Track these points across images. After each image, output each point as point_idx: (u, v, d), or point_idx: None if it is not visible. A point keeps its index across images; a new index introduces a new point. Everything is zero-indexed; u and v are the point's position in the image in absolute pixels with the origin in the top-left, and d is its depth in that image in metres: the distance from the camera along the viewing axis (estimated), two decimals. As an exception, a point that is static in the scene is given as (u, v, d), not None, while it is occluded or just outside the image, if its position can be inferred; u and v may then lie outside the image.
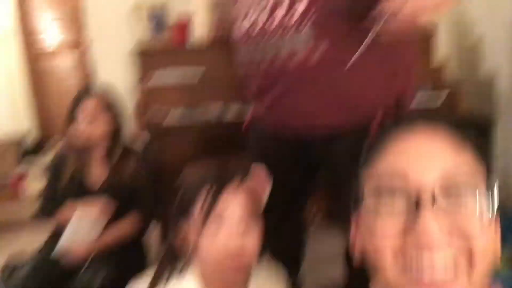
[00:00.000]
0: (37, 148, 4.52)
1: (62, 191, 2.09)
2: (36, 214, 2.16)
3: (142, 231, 2.18)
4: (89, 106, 2.03)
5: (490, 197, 0.52)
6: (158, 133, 2.38)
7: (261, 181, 0.96)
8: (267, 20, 1.10)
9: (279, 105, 1.20)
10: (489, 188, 0.53)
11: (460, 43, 2.89)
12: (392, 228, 0.51)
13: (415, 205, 0.50)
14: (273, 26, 1.10)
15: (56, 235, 2.05)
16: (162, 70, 2.51)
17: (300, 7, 1.04)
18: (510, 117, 2.42)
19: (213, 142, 2.48)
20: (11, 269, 2.00)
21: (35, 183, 3.27)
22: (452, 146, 0.53)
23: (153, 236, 2.36)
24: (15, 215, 3.02)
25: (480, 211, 0.51)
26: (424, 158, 0.52)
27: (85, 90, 2.11)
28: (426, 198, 0.49)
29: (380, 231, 0.52)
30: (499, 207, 0.52)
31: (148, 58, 2.57)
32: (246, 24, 1.18)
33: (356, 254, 0.59)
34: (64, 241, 2.00)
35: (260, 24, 1.12)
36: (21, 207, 3.08)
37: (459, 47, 2.89)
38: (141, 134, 2.29)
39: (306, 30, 1.04)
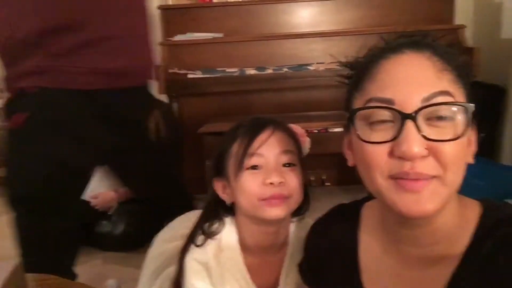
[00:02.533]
0: None
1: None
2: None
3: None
4: None
5: (468, 110, 0.57)
6: (179, 91, 2.48)
7: (298, 131, 0.95)
8: None
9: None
10: (468, 102, 0.59)
11: (480, 4, 2.86)
12: (380, 147, 0.58)
13: (400, 122, 0.56)
14: None
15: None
16: (183, 34, 2.61)
17: None
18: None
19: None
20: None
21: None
22: (435, 70, 0.58)
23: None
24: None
25: (456, 126, 0.56)
26: (408, 85, 0.57)
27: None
28: (409, 116, 0.55)
29: (370, 151, 0.59)
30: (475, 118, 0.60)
31: (173, 15, 2.68)
32: None
33: (350, 165, 0.68)
34: (91, 188, 2.15)
35: None
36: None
37: (480, 8, 2.86)
38: (164, 91, 2.39)
39: None
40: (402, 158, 0.56)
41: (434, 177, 0.56)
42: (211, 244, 0.90)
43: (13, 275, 0.87)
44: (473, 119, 0.59)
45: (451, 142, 0.56)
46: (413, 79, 0.58)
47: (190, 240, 0.92)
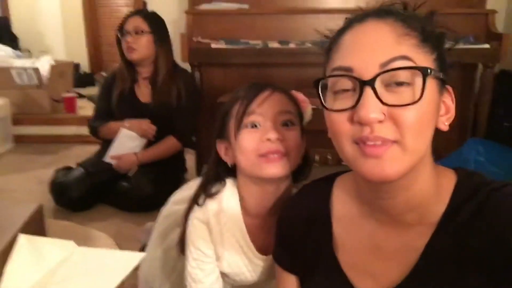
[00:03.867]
0: (87, 79, 4.78)
1: (113, 105, 2.29)
2: (89, 127, 2.37)
3: (180, 152, 2.38)
4: (134, 21, 2.17)
5: (428, 74, 0.56)
6: (202, 60, 2.50)
7: (299, 97, 0.97)
8: None
9: None
10: (438, 67, 0.60)
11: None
12: (342, 115, 0.59)
13: (359, 89, 0.57)
14: None
15: (106, 146, 2.28)
16: (209, 3, 2.61)
17: None
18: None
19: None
20: (64, 170, 2.26)
21: (85, 108, 3.53)
22: (395, 35, 0.58)
23: (190, 160, 2.55)
24: (69, 131, 3.31)
25: (414, 91, 0.56)
26: (366, 52, 0.58)
27: (134, 11, 2.24)
28: (367, 82, 0.56)
29: (335, 119, 0.61)
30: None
31: None
32: None
33: (329, 136, 0.68)
34: (113, 150, 2.23)
35: None
36: (74, 123, 3.34)
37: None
38: (187, 59, 2.41)
39: None
40: (361, 123, 0.57)
41: (394, 142, 0.57)
42: (211, 204, 0.94)
43: (32, 218, 0.93)
44: (444, 84, 0.60)
45: (409, 106, 0.56)
46: (371, 45, 0.59)
47: (194, 201, 0.96)
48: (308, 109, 0.97)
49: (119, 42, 2.23)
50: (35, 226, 0.97)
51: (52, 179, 2.20)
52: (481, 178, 0.64)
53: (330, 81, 0.62)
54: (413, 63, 0.57)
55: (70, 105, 3.47)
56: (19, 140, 3.26)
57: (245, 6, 2.61)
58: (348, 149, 0.60)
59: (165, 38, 2.25)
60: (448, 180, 0.65)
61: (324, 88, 0.64)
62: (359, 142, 0.58)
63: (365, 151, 0.58)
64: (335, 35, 0.65)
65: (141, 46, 2.17)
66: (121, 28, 2.20)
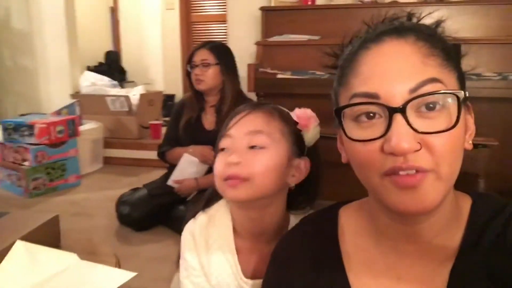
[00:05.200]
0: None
1: (180, 132, 2.39)
2: (158, 151, 2.50)
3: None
4: (201, 54, 2.27)
5: (461, 93, 0.53)
6: (267, 90, 2.52)
7: (301, 115, 0.91)
8: None
9: None
10: (460, 84, 0.55)
11: None
12: (370, 145, 0.54)
13: (388, 117, 0.52)
14: None
15: (171, 170, 2.38)
16: (281, 35, 2.66)
17: None
18: None
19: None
20: (133, 190, 2.40)
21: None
22: (421, 56, 0.53)
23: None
24: (152, 155, 3.52)
25: (449, 116, 0.52)
26: (393, 77, 0.53)
27: (201, 44, 2.34)
28: (397, 109, 0.51)
29: (361, 150, 0.55)
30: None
31: (274, 17, 2.75)
32: None
33: (343, 161, 0.63)
34: (175, 175, 2.32)
35: None
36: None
37: None
38: (253, 89, 2.45)
39: None
40: (394, 154, 0.51)
41: (428, 171, 0.52)
42: (202, 217, 0.94)
43: (47, 225, 1.00)
44: (466, 102, 0.55)
45: (445, 133, 0.51)
46: (398, 69, 0.53)
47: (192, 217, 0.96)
48: (311, 129, 0.91)
49: (188, 74, 2.34)
50: (47, 235, 1.03)
51: (119, 198, 2.35)
52: (497, 198, 0.61)
53: (349, 109, 0.56)
54: (442, 84, 0.53)
55: (155, 131, 3.71)
56: (107, 161, 3.56)
57: (316, 38, 2.60)
58: (376, 181, 0.55)
59: (232, 68, 2.31)
60: (465, 202, 0.62)
61: (339, 116, 0.59)
62: (390, 173, 0.53)
63: (399, 182, 0.53)
64: (347, 57, 0.60)
65: (208, 77, 2.26)
66: (190, 61, 2.31)
